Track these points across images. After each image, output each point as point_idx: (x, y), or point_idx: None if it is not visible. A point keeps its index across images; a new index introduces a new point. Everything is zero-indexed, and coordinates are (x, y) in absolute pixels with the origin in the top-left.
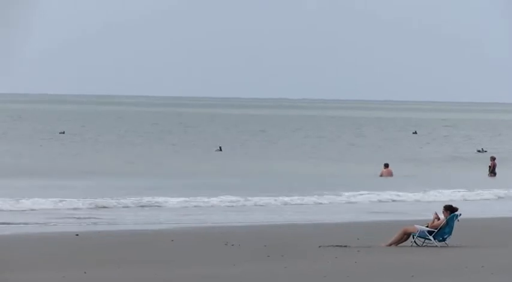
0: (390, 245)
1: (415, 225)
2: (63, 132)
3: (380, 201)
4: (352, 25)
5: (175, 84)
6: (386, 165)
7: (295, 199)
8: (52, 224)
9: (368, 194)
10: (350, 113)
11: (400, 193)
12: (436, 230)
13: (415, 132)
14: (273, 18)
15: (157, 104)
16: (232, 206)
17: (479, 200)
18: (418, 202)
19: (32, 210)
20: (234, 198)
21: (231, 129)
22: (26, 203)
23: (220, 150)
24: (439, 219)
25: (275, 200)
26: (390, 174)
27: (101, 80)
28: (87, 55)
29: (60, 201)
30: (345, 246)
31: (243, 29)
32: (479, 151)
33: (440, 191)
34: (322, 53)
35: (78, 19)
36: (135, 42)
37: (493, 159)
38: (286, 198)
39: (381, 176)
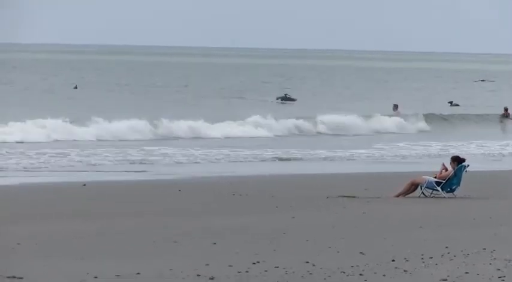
0: (398, 196)
1: (423, 176)
2: (76, 87)
3: None
4: None
5: (200, 33)
6: (396, 106)
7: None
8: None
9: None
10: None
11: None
12: (444, 181)
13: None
14: None
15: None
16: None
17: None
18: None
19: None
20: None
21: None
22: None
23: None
24: (446, 170)
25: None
26: (399, 114)
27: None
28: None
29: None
30: (353, 196)
31: None
32: (450, 103)
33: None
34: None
35: None
36: None
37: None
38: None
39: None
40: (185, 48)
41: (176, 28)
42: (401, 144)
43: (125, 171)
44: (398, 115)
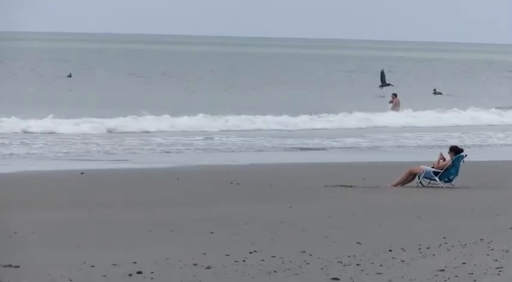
0: (396, 185)
1: (421, 166)
2: (70, 75)
3: None
4: None
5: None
6: (395, 95)
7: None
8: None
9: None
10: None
11: None
12: (441, 171)
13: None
14: None
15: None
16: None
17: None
18: None
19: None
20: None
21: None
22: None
23: (70, 76)
24: (444, 159)
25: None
26: (399, 103)
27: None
28: None
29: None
30: (351, 186)
31: None
32: (434, 92)
33: None
34: None
35: None
36: None
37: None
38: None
39: (393, 106)
40: (210, 38)
41: (190, 17)
42: None
43: (118, 160)
44: (397, 103)
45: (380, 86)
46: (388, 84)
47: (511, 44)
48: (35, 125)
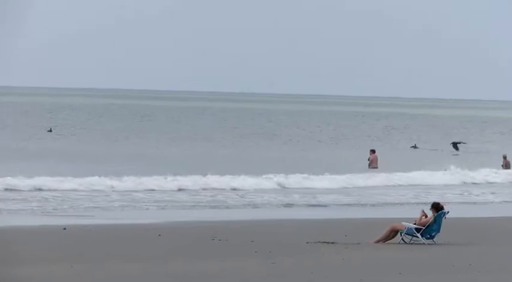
0: (378, 242)
1: (403, 223)
2: (51, 130)
3: None
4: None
5: (182, 78)
6: (373, 151)
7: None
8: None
9: None
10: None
11: None
12: (423, 228)
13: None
14: (269, 17)
15: (153, 97)
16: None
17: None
18: None
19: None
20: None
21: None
22: None
23: (51, 131)
24: (426, 216)
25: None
26: (376, 159)
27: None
28: (80, 51)
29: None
30: (333, 242)
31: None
32: (413, 147)
33: None
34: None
35: (74, 15)
36: (130, 40)
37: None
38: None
39: (370, 162)
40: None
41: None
42: None
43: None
44: (375, 159)
45: (455, 148)
46: (459, 143)
47: None
48: (20, 182)
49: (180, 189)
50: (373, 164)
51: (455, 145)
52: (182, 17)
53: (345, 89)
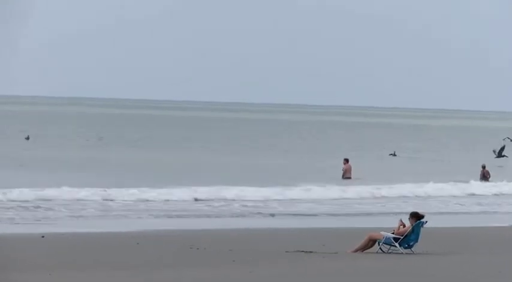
0: (356, 251)
1: (381, 232)
2: (28, 138)
3: None
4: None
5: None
6: (346, 160)
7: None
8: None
9: None
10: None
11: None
12: (401, 237)
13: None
14: (266, 19)
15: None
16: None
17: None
18: None
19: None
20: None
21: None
22: None
23: (28, 138)
24: (404, 226)
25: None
26: (350, 168)
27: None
28: (71, 57)
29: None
30: (311, 251)
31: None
32: (392, 154)
33: None
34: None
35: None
36: (130, 40)
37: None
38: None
39: (344, 171)
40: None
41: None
42: None
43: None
44: (349, 168)
45: (496, 157)
46: (503, 156)
47: None
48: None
49: (166, 200)
50: (346, 174)
51: (500, 152)
52: (182, 17)
53: (345, 88)
